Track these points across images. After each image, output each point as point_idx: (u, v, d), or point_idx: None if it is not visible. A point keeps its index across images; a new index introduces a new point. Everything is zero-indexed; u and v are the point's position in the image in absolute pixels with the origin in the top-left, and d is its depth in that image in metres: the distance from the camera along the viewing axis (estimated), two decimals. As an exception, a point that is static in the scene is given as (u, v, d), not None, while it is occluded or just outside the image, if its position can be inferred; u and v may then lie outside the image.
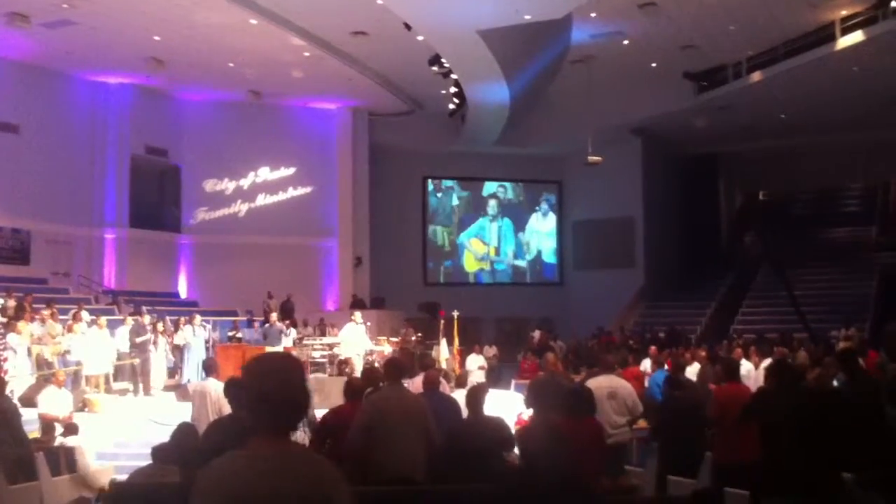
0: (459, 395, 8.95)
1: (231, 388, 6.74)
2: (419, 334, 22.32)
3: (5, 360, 11.74)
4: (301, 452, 2.73)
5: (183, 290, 26.59)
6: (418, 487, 6.00)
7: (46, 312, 16.30)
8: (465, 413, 7.54)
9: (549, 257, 32.49)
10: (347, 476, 2.78)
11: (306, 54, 22.20)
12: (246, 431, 2.67)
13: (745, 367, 12.22)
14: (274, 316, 19.66)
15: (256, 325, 21.11)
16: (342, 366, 17.60)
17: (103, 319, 16.49)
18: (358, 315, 18.61)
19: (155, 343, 17.09)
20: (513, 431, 7.55)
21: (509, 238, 32.09)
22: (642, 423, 9.29)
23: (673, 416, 8.61)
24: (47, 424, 9.25)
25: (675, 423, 8.49)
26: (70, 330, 15.65)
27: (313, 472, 2.60)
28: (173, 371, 18.44)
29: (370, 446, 6.23)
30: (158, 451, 6.31)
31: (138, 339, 16.39)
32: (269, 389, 2.63)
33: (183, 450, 6.00)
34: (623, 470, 8.38)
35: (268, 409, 2.62)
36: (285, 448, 2.63)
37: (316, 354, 19.25)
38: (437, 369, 13.29)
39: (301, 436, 8.17)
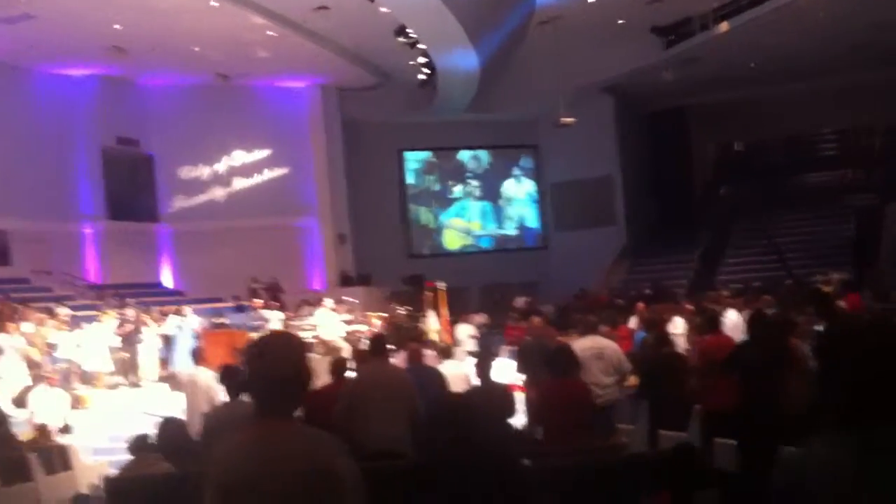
0: (446, 367, 9.04)
1: (226, 376, 6.78)
2: (408, 308, 22.31)
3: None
4: (306, 430, 2.77)
5: (167, 280, 26.46)
6: (403, 462, 6.06)
7: (43, 315, 16.22)
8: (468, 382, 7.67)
9: (531, 222, 32.57)
10: None
11: (269, 33, 21.95)
12: (243, 418, 2.70)
13: (732, 317, 12.27)
14: (258, 301, 19.63)
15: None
16: (328, 346, 17.66)
17: (106, 321, 16.55)
18: (329, 301, 18.68)
19: (139, 334, 17.03)
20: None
21: (489, 216, 32.16)
22: (633, 381, 9.38)
23: (659, 372, 8.72)
24: (41, 425, 9.25)
25: (662, 378, 8.60)
26: (59, 329, 15.62)
27: (320, 449, 2.65)
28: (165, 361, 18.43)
29: (354, 422, 6.29)
30: (135, 443, 6.35)
31: (121, 332, 16.40)
32: (271, 370, 2.67)
33: (173, 443, 6.04)
34: (614, 428, 8.48)
35: (271, 390, 2.66)
36: (291, 427, 2.69)
37: (304, 335, 19.29)
38: (424, 342, 13.41)
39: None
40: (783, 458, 2.29)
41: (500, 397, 7.25)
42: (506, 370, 10.69)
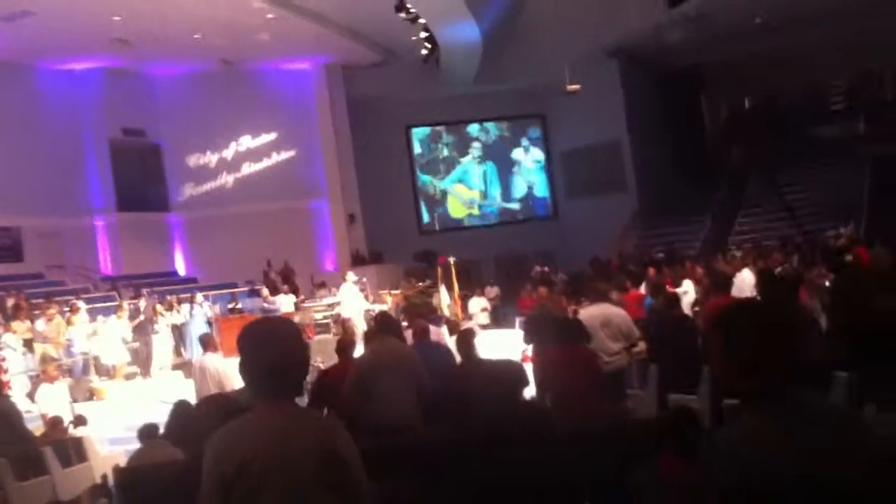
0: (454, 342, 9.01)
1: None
2: (423, 282, 22.31)
3: (3, 359, 11.80)
4: (304, 413, 2.82)
5: (181, 268, 26.62)
6: (414, 436, 6.06)
7: (53, 310, 16.30)
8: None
9: (541, 191, 32.44)
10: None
11: (270, 16, 21.90)
12: (237, 407, 2.70)
13: (742, 277, 12.11)
14: (265, 291, 19.67)
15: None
16: (345, 326, 17.71)
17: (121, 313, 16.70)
18: (350, 274, 18.68)
19: (155, 324, 17.15)
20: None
21: (494, 182, 32.01)
22: (642, 347, 9.32)
23: (667, 335, 8.66)
24: (53, 419, 9.33)
25: (671, 341, 8.54)
26: (70, 323, 15.71)
27: (318, 430, 2.67)
28: (179, 349, 18.56)
29: (363, 400, 6.30)
30: (144, 431, 6.37)
31: (134, 323, 16.52)
32: (264, 356, 2.67)
33: (180, 429, 6.06)
34: (624, 394, 8.43)
35: (265, 376, 2.67)
36: (289, 410, 2.70)
37: (318, 316, 19.38)
38: (436, 318, 13.39)
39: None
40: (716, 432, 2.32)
41: (507, 369, 7.19)
42: (516, 341, 10.66)
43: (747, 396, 2.23)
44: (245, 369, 2.72)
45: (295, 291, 21.14)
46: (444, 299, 19.32)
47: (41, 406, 10.25)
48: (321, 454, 2.59)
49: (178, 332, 18.14)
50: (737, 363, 2.23)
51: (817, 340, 6.87)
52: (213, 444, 2.65)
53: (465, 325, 12.97)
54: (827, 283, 9.54)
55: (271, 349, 2.68)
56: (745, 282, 11.70)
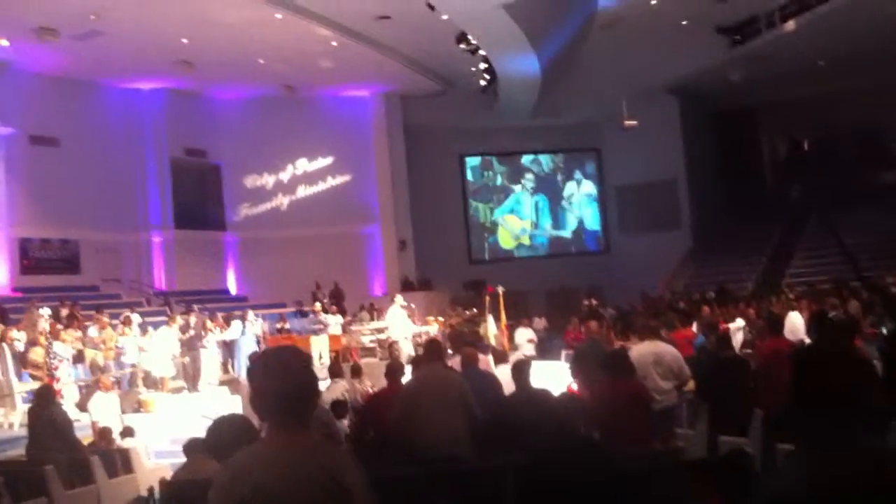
0: (501, 371, 8.97)
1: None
2: (471, 310, 22.28)
3: (56, 368, 12.01)
4: (313, 443, 2.76)
5: (232, 287, 26.95)
6: (461, 464, 6.01)
7: (106, 319, 16.60)
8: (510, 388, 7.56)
9: (592, 225, 32.31)
10: (392, 459, 2.80)
11: (334, 44, 22.22)
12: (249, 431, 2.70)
13: (793, 320, 11.87)
14: (318, 305, 19.79)
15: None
16: (391, 349, 17.75)
17: (171, 327, 16.93)
18: (399, 297, 18.72)
19: (204, 340, 17.32)
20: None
21: (545, 213, 31.96)
22: (691, 386, 9.18)
23: (719, 375, 8.51)
24: (102, 429, 9.46)
25: (722, 381, 8.39)
26: (122, 333, 15.97)
27: (325, 461, 2.64)
28: (227, 366, 18.71)
29: (411, 426, 6.28)
30: (189, 446, 6.41)
31: (183, 337, 16.70)
32: (274, 385, 2.67)
33: (223, 444, 6.07)
34: (673, 433, 8.30)
35: (274, 405, 2.67)
36: (298, 439, 2.67)
37: (365, 339, 19.44)
38: (482, 346, 13.34)
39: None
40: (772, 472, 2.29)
41: (555, 402, 7.15)
42: (561, 373, 10.56)
43: (808, 441, 2.18)
44: (255, 398, 2.71)
45: (343, 314, 21.24)
46: (490, 328, 19.26)
47: (93, 414, 10.41)
48: (328, 485, 2.57)
49: (227, 348, 18.31)
50: (801, 405, 2.19)
51: (874, 386, 6.69)
52: (221, 474, 2.65)
53: (512, 355, 12.89)
54: (884, 330, 9.33)
55: (281, 378, 2.67)
56: (794, 324, 11.48)
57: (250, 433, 4.91)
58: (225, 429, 6.53)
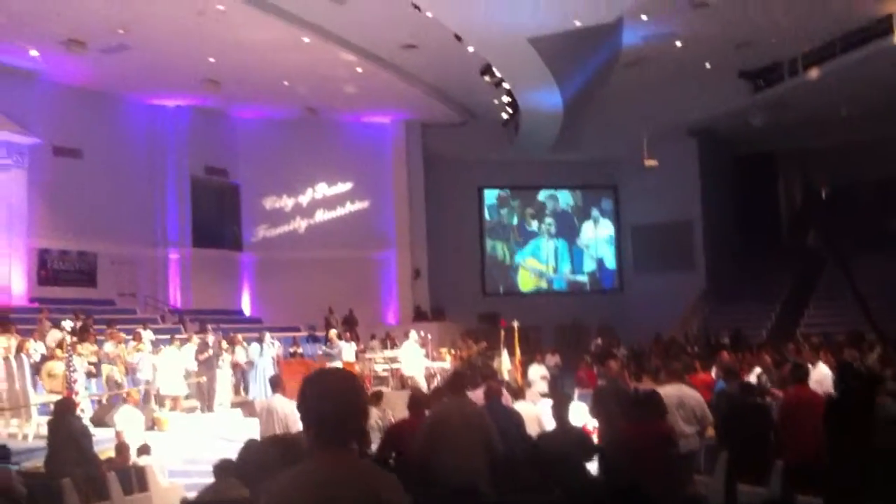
0: (519, 407, 8.96)
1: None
2: (481, 343, 22.25)
3: (75, 381, 12.04)
4: (359, 463, 2.83)
5: (247, 308, 26.98)
6: (483, 498, 6.00)
7: (122, 335, 16.60)
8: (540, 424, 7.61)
9: (611, 264, 32.32)
10: (413, 485, 2.83)
11: (359, 69, 22.40)
12: (300, 450, 2.72)
13: (822, 371, 11.70)
14: (333, 332, 19.76)
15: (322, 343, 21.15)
16: (404, 380, 17.77)
17: (186, 345, 16.92)
18: (413, 333, 18.72)
19: (218, 359, 17.30)
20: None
21: (564, 257, 32.03)
22: (711, 432, 9.14)
23: (740, 422, 8.47)
24: (122, 444, 9.46)
25: (743, 429, 8.35)
26: (137, 350, 15.97)
27: (371, 481, 2.69)
28: (238, 388, 18.66)
29: (433, 456, 6.28)
30: (219, 467, 6.40)
31: (202, 357, 16.68)
32: (327, 410, 2.71)
33: (253, 468, 6.07)
34: (692, 479, 8.25)
35: (326, 428, 2.71)
36: (345, 460, 2.72)
37: (378, 368, 19.42)
38: (498, 380, 13.32)
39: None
40: None
41: (578, 440, 7.16)
42: (576, 413, 10.51)
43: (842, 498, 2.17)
44: (306, 417, 2.75)
45: (356, 340, 21.23)
46: (504, 363, 19.22)
47: (118, 424, 10.40)
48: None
49: (240, 370, 18.28)
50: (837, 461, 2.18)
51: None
52: (268, 492, 2.69)
53: (527, 391, 12.90)
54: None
55: (334, 400, 2.71)
56: (824, 375, 11.34)
57: (287, 456, 4.93)
58: (254, 452, 6.55)
